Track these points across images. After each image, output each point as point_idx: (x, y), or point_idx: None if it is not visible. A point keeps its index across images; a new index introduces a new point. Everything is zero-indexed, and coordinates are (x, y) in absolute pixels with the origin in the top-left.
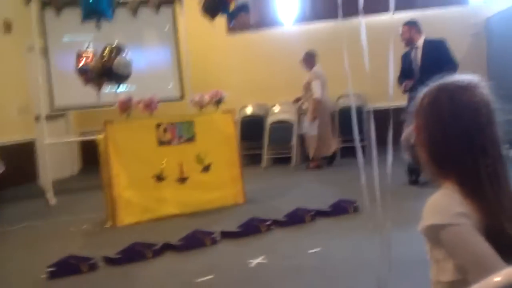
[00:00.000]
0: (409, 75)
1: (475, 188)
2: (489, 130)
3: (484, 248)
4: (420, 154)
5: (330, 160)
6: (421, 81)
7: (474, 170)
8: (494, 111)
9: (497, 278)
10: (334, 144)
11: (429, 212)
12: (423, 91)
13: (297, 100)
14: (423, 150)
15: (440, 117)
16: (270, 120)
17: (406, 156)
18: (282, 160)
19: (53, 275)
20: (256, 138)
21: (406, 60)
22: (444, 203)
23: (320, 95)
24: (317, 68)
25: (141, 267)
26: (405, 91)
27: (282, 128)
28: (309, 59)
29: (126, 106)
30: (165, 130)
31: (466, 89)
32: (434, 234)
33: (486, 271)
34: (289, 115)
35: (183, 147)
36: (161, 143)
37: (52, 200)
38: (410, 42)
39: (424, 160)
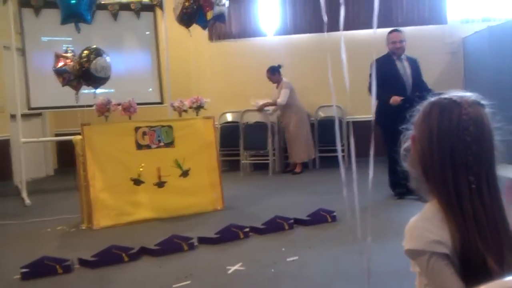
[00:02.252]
0: (390, 85)
1: (453, 205)
2: (476, 148)
3: (452, 282)
4: (411, 166)
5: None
6: (412, 98)
7: (454, 185)
8: (488, 130)
9: None
10: (312, 152)
11: (408, 235)
12: (423, 104)
13: (263, 106)
14: (415, 161)
15: (429, 131)
16: (244, 121)
17: (405, 165)
18: (261, 166)
19: (27, 276)
20: (236, 144)
21: (386, 68)
22: (422, 228)
23: (283, 102)
24: (285, 79)
25: (117, 271)
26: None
27: (257, 130)
28: (275, 74)
29: (104, 109)
30: (144, 134)
31: (458, 105)
32: (411, 257)
33: None
34: (264, 117)
35: (161, 152)
36: (140, 146)
37: (27, 200)
38: (402, 52)
39: (414, 173)
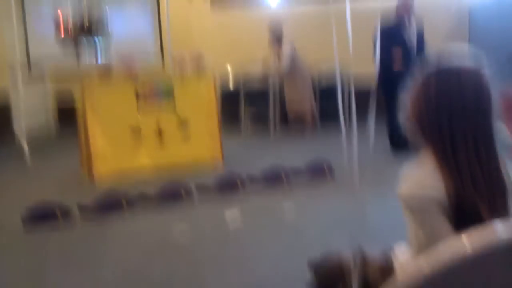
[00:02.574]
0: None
1: (448, 157)
2: (475, 109)
3: (442, 229)
4: (408, 121)
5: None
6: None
7: (451, 142)
8: (486, 91)
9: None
10: (311, 104)
11: (402, 180)
12: (421, 68)
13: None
14: (411, 117)
15: (428, 91)
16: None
17: (402, 120)
18: (263, 125)
19: (27, 221)
20: (236, 100)
21: (393, 37)
22: (415, 174)
23: (287, 57)
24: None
25: (116, 217)
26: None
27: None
28: (277, 38)
29: (105, 67)
30: (144, 92)
31: (458, 71)
32: (404, 202)
33: (436, 241)
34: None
35: (161, 102)
36: (139, 97)
37: (26, 147)
38: (410, 13)
39: (411, 127)
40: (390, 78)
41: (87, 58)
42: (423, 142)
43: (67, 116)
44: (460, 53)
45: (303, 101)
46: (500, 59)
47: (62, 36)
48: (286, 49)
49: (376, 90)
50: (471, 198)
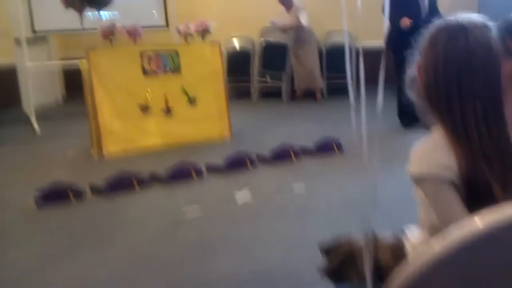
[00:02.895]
0: (406, 8)
1: (459, 131)
2: (484, 73)
3: (455, 208)
4: (417, 95)
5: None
6: (427, 21)
7: (461, 113)
8: (495, 54)
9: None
10: (319, 80)
11: (413, 158)
12: (428, 29)
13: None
14: (420, 89)
15: (435, 58)
16: (261, 41)
17: (410, 94)
18: (270, 94)
19: (40, 201)
20: (244, 71)
21: None
22: (427, 152)
23: (307, 23)
24: (297, 2)
25: (127, 197)
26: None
27: (276, 51)
28: (287, 6)
29: (109, 32)
30: (149, 59)
31: (465, 30)
32: (415, 181)
33: (450, 222)
34: (283, 38)
35: (168, 78)
36: (146, 72)
37: (36, 126)
38: None
39: (420, 100)
40: (399, 41)
41: (90, 24)
42: (432, 115)
43: (76, 90)
44: (469, 15)
45: (311, 78)
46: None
47: (65, 3)
48: (303, 15)
49: (386, 53)
50: (483, 175)
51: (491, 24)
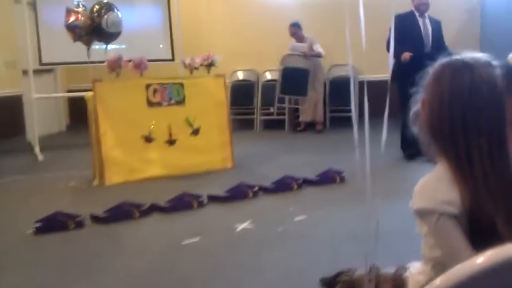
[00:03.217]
0: (409, 42)
1: (463, 167)
2: (488, 110)
3: (459, 243)
4: (421, 128)
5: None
6: (432, 55)
7: (465, 149)
8: (499, 91)
9: (479, 259)
10: (321, 112)
11: (418, 194)
12: (433, 66)
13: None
14: (424, 124)
15: (441, 94)
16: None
17: (414, 129)
18: (272, 125)
19: (39, 231)
20: (247, 102)
21: (407, 25)
22: (432, 188)
23: (324, 54)
24: (307, 35)
25: (128, 227)
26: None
27: (298, 75)
28: (298, 31)
29: (115, 65)
30: (154, 91)
31: (470, 67)
32: (419, 216)
33: (454, 257)
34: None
35: (172, 109)
36: (150, 104)
37: (40, 155)
38: (426, 9)
39: (424, 135)
40: (404, 75)
41: (97, 55)
42: (436, 149)
43: (80, 119)
44: (473, 53)
45: (316, 110)
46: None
47: (74, 37)
48: (318, 46)
49: (390, 88)
50: (487, 211)
51: (495, 62)
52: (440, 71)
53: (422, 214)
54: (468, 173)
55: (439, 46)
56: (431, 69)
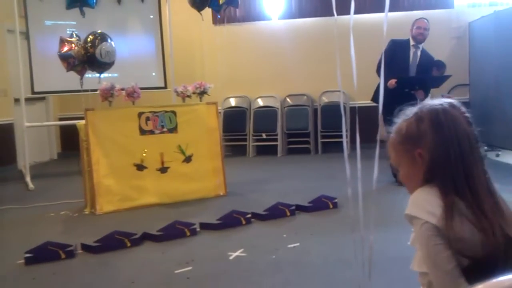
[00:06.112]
0: (395, 68)
1: (457, 203)
2: (475, 151)
3: (436, 253)
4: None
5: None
6: (413, 83)
7: (467, 180)
8: (473, 133)
9: None
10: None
11: (410, 202)
12: (414, 111)
13: None
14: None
15: (448, 137)
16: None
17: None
18: (265, 151)
19: (30, 261)
20: (240, 128)
21: (398, 51)
22: (422, 198)
23: None
24: None
25: (119, 256)
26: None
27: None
28: None
29: (108, 94)
30: (147, 119)
31: (455, 107)
32: (409, 221)
33: (437, 271)
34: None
35: (165, 137)
36: (143, 132)
37: (30, 184)
38: (423, 39)
39: (408, 169)
40: (389, 99)
41: (90, 84)
42: (424, 182)
43: (72, 147)
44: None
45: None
46: (499, 71)
47: (67, 67)
48: None
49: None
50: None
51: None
52: (437, 118)
53: (410, 218)
54: (462, 209)
55: (427, 68)
56: (417, 115)
